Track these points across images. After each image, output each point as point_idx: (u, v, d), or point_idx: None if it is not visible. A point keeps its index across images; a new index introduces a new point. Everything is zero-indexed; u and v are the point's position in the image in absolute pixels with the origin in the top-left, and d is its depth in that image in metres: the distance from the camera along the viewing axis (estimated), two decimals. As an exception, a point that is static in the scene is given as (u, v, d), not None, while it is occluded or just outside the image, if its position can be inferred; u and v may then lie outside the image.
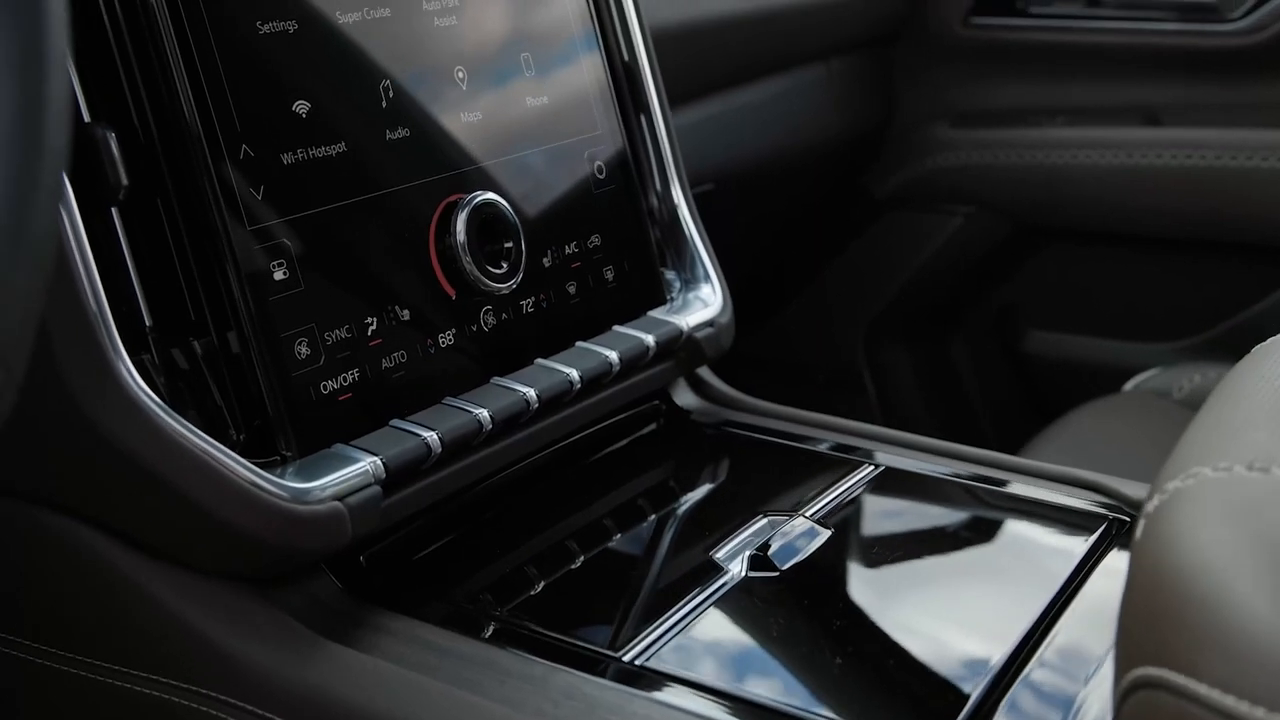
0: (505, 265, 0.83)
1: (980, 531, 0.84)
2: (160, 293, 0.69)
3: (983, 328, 2.01)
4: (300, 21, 0.75)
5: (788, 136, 1.63)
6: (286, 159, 0.73)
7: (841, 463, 0.91)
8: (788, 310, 2.04)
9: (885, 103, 1.88)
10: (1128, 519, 0.82)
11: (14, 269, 0.39)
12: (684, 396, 1.01)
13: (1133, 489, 0.86)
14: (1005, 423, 2.01)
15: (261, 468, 0.67)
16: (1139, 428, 1.40)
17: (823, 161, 1.77)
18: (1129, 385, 1.53)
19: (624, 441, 0.95)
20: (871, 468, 0.90)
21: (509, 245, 0.83)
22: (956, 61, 1.86)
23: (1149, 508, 0.55)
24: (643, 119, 1.01)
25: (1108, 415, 1.43)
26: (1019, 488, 0.88)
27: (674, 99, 1.21)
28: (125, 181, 0.65)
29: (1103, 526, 0.82)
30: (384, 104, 0.79)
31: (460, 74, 0.85)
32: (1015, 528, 0.84)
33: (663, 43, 1.07)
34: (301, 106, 0.75)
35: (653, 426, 0.98)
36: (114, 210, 0.67)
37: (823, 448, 0.95)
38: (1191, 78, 1.72)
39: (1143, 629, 0.46)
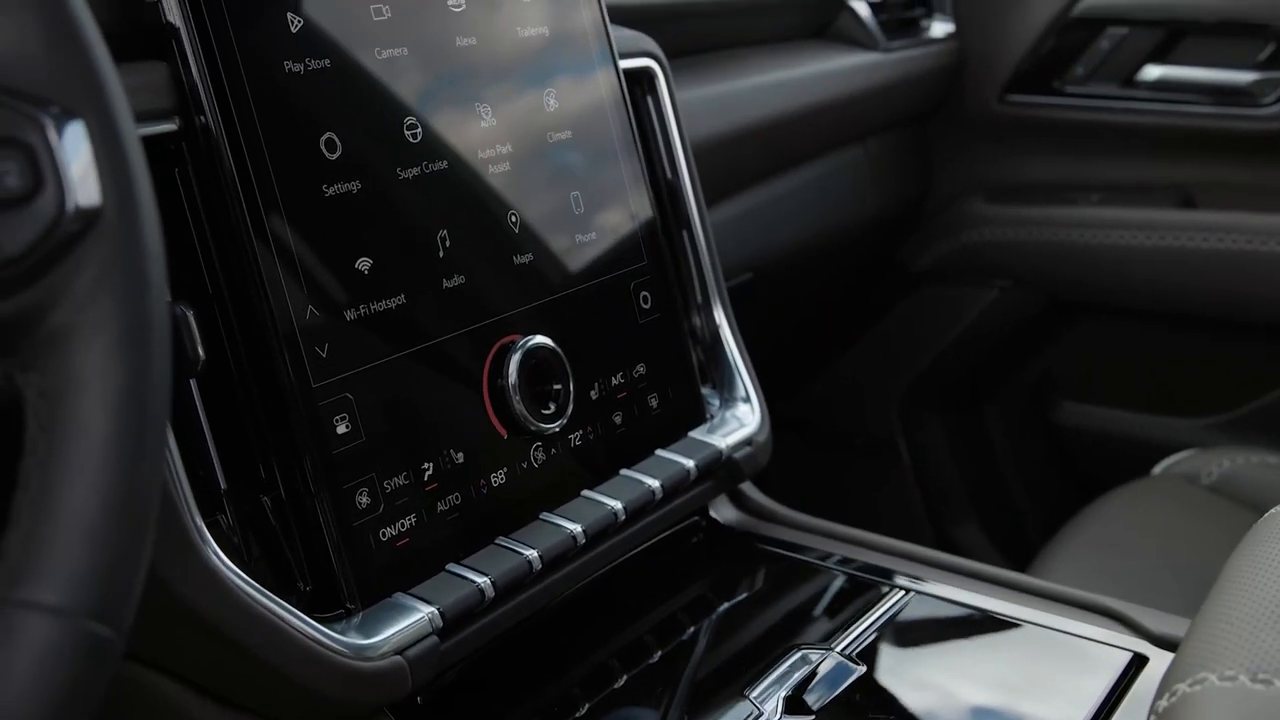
0: (554, 406, 0.87)
1: (1006, 668, 0.87)
2: (232, 454, 0.73)
3: (1017, 399, 2.05)
4: (363, 181, 0.79)
5: (825, 218, 1.67)
6: (349, 315, 0.77)
7: (873, 587, 0.95)
8: (825, 376, 2.08)
9: (921, 177, 1.92)
10: (1148, 656, 0.86)
11: (130, 538, 0.44)
12: (723, 510, 1.05)
13: (1154, 621, 0.89)
14: (1038, 494, 2.05)
15: (326, 623, 0.72)
16: (1167, 517, 1.43)
17: (860, 238, 1.80)
18: (1158, 468, 1.56)
19: (663, 559, 0.99)
20: (901, 594, 0.94)
21: (558, 387, 0.88)
22: (992, 137, 1.90)
23: (1159, 706, 0.58)
24: (685, 235, 1.05)
25: (1136, 503, 1.46)
26: (1044, 616, 0.91)
27: (713, 196, 1.25)
28: (202, 356, 0.70)
29: (1124, 663, 0.85)
30: (441, 254, 0.84)
31: (513, 218, 0.89)
32: (1039, 664, 0.87)
33: (702, 155, 1.11)
34: (364, 264, 0.79)
35: (692, 542, 1.02)
36: (192, 381, 0.71)
37: (856, 569, 0.98)
38: (1225, 160, 1.75)
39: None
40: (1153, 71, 1.77)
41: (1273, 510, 0.80)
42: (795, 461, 2.11)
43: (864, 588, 0.95)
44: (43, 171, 0.43)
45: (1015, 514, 2.06)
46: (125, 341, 0.44)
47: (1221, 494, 1.49)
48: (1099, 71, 1.80)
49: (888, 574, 0.97)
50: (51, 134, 0.43)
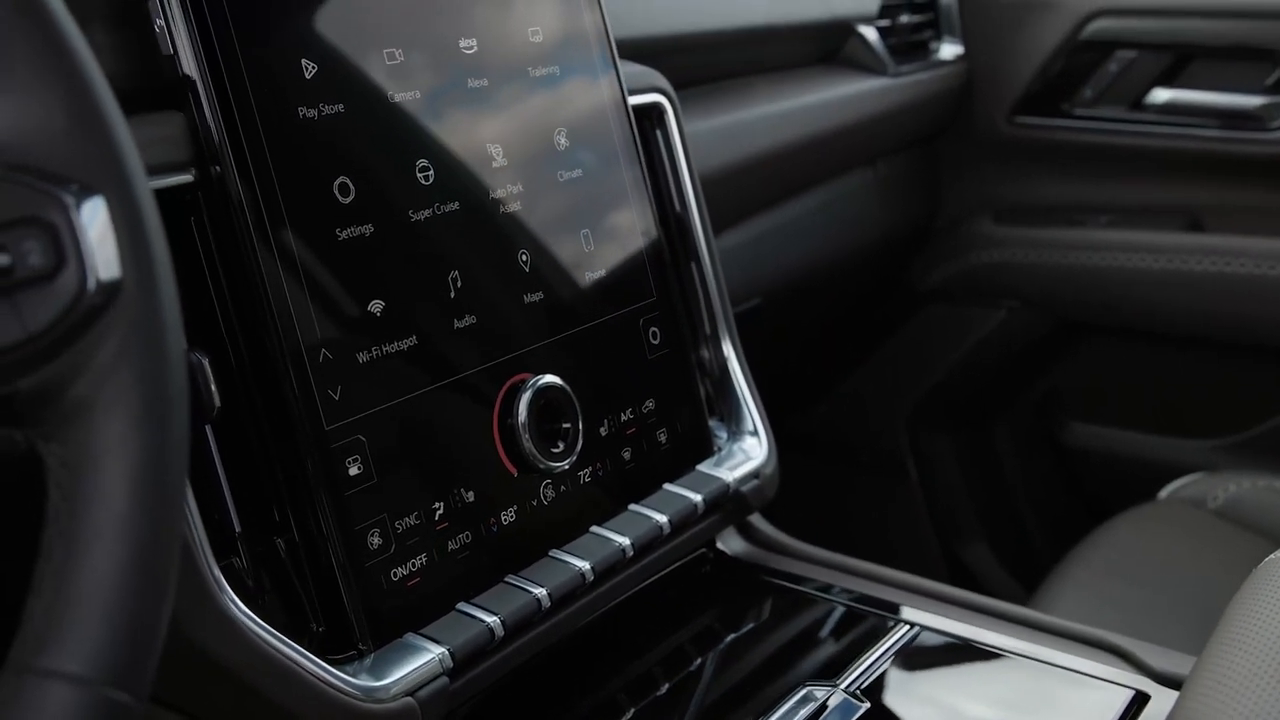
0: (563, 445, 0.88)
1: (1011, 705, 0.88)
2: (246, 497, 0.74)
3: (1024, 418, 2.06)
4: (375, 224, 0.80)
5: (834, 241, 1.68)
6: (362, 357, 0.78)
7: (878, 621, 0.96)
8: (833, 394, 2.09)
9: (929, 198, 1.93)
10: (1149, 694, 0.87)
11: (149, 607, 0.45)
12: (730, 541, 1.06)
13: (1156, 658, 0.90)
14: (1046, 513, 2.06)
15: (338, 664, 0.73)
16: (1173, 544, 1.44)
17: (868, 259, 1.81)
18: (1164, 492, 1.57)
19: (671, 592, 0.99)
20: (906, 628, 0.95)
21: (567, 425, 0.89)
22: (1001, 159, 1.91)
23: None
24: (693, 267, 1.06)
25: (1143, 528, 1.46)
26: (1049, 652, 0.92)
27: (721, 224, 1.26)
28: (218, 403, 0.71)
29: (1127, 701, 0.86)
30: (452, 294, 0.85)
31: (524, 257, 0.90)
32: (1043, 701, 0.88)
33: (711, 185, 1.12)
34: (376, 306, 0.80)
35: (700, 574, 1.03)
36: (207, 427, 0.72)
37: (862, 603, 0.99)
38: (1233, 183, 1.76)
39: None
40: (1161, 95, 1.78)
41: (1273, 555, 0.80)
42: (803, 479, 2.11)
43: (870, 622, 0.96)
44: (65, 249, 0.44)
45: (1023, 533, 2.06)
46: (144, 414, 0.45)
47: (1228, 519, 1.50)
48: (1107, 94, 1.81)
49: (894, 608, 0.98)
50: (73, 212, 0.44)
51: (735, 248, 1.41)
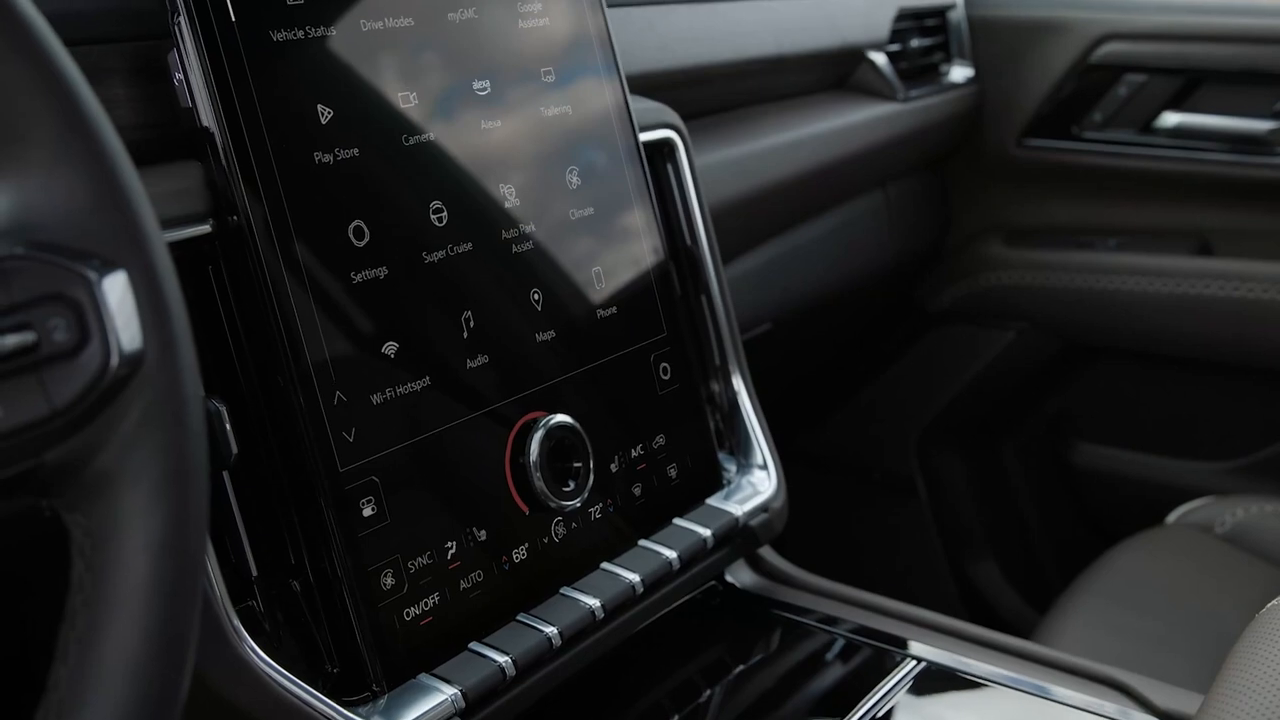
0: (573, 484, 0.89)
1: (1016, 744, 0.89)
2: (262, 540, 0.75)
3: (1034, 438, 2.06)
4: (390, 267, 0.81)
5: (844, 265, 1.69)
6: (376, 399, 0.80)
7: (885, 656, 0.97)
8: (844, 412, 2.10)
9: (940, 219, 1.94)
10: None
11: (169, 673, 0.46)
12: (740, 574, 1.07)
13: (1161, 696, 0.91)
14: (1055, 532, 2.06)
15: (353, 706, 0.74)
16: (1180, 570, 1.44)
17: (879, 281, 1.82)
18: (1172, 516, 1.57)
19: (680, 624, 1.00)
20: (913, 663, 0.96)
21: (578, 465, 0.89)
22: (1011, 181, 1.91)
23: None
24: (703, 301, 1.07)
25: (1150, 554, 1.47)
26: (1055, 690, 0.93)
27: (732, 252, 1.27)
28: (235, 450, 0.72)
29: (1130, 739, 0.87)
30: (465, 334, 0.86)
31: (536, 295, 0.91)
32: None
33: (722, 216, 1.13)
34: (390, 347, 0.81)
35: (709, 606, 1.04)
36: (225, 474, 0.73)
37: (869, 638, 1.00)
38: (1242, 207, 1.76)
39: None
40: (1170, 119, 1.79)
41: (1274, 603, 0.81)
42: (813, 496, 2.12)
43: (877, 657, 0.97)
44: (89, 325, 0.45)
45: (1031, 552, 2.07)
46: (165, 485, 0.46)
47: (1235, 544, 1.50)
48: (1117, 117, 1.81)
49: (901, 643, 0.99)
50: (96, 287, 0.45)
51: (745, 274, 1.42)
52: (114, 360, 0.45)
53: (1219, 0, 1.77)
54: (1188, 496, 1.68)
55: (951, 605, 2.05)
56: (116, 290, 0.46)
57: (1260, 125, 1.73)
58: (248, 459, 0.75)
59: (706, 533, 0.97)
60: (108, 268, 0.46)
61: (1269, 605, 0.79)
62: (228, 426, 0.72)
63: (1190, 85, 1.76)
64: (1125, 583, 1.41)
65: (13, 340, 0.43)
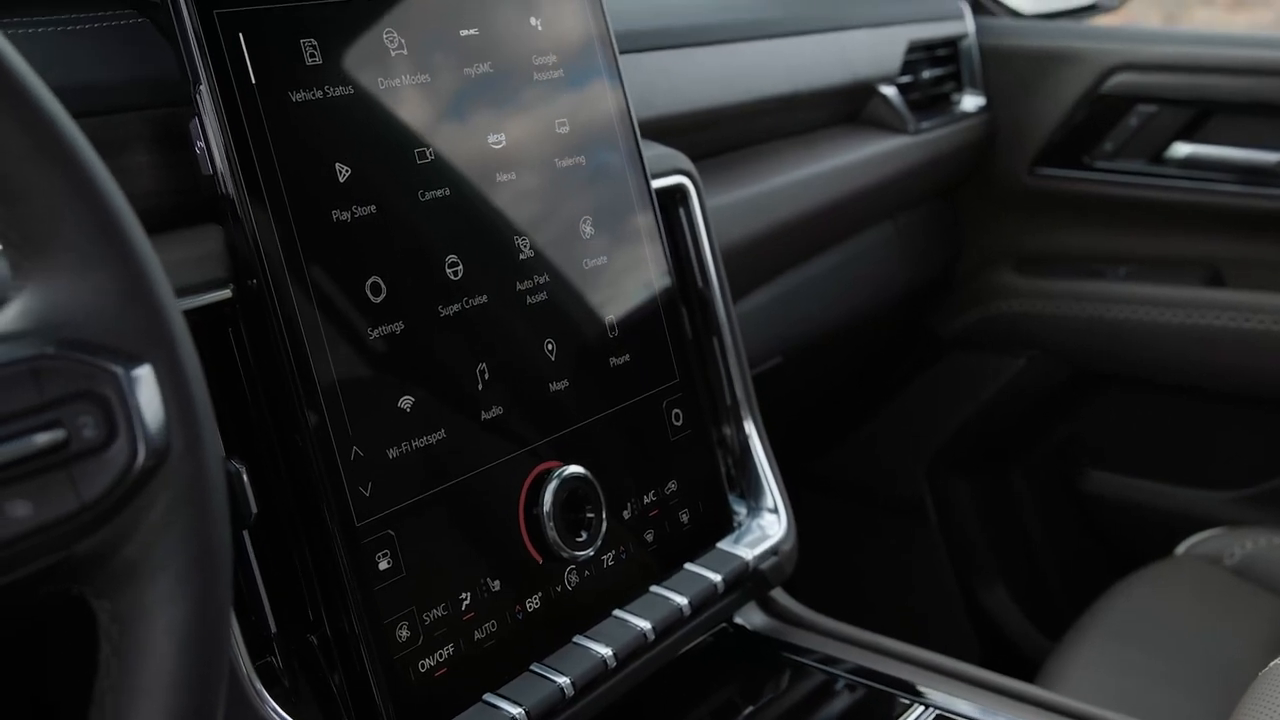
0: (586, 534, 0.90)
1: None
2: (281, 595, 0.77)
3: (1044, 465, 2.07)
4: (406, 321, 0.83)
5: (855, 295, 1.70)
6: (392, 454, 0.81)
7: (894, 702, 0.98)
8: (855, 437, 2.11)
9: (951, 246, 1.94)
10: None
11: None
12: (751, 615, 1.08)
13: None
14: (1066, 558, 2.07)
15: (368, 760, 0.75)
16: (1189, 604, 1.45)
17: (890, 309, 1.83)
18: (1181, 548, 1.58)
19: (690, 666, 1.01)
20: (922, 709, 0.97)
21: (590, 515, 0.91)
22: (1022, 209, 1.92)
23: None
24: (715, 343, 1.08)
25: (1159, 587, 1.48)
26: (1060, 737, 0.94)
27: (742, 289, 1.28)
28: (255, 510, 0.73)
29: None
30: (480, 387, 0.87)
31: (550, 347, 0.92)
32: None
33: (733, 256, 1.14)
34: (406, 401, 0.82)
35: (719, 648, 1.05)
36: (245, 532, 0.75)
37: (879, 683, 1.01)
38: (1253, 238, 1.77)
39: None
40: (1181, 149, 1.79)
41: (1275, 662, 0.82)
42: (824, 520, 2.14)
43: (887, 702, 0.98)
44: (116, 421, 0.46)
45: (1042, 577, 2.08)
46: (191, 573, 0.48)
47: (1244, 577, 1.51)
48: (1128, 147, 1.82)
49: (911, 688, 1.00)
50: (124, 383, 0.46)
51: (755, 309, 1.43)
52: (141, 455, 0.47)
53: (1229, 32, 1.78)
54: (1198, 524, 1.69)
55: (961, 630, 2.06)
56: (143, 385, 0.47)
57: (1271, 157, 1.73)
58: (266, 514, 0.76)
59: (717, 578, 0.98)
60: (134, 362, 0.47)
61: (1271, 665, 0.79)
62: (248, 487, 0.73)
63: (1201, 116, 1.77)
64: (1133, 618, 1.41)
65: (44, 439, 0.45)
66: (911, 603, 2.11)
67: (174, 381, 0.48)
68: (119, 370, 0.46)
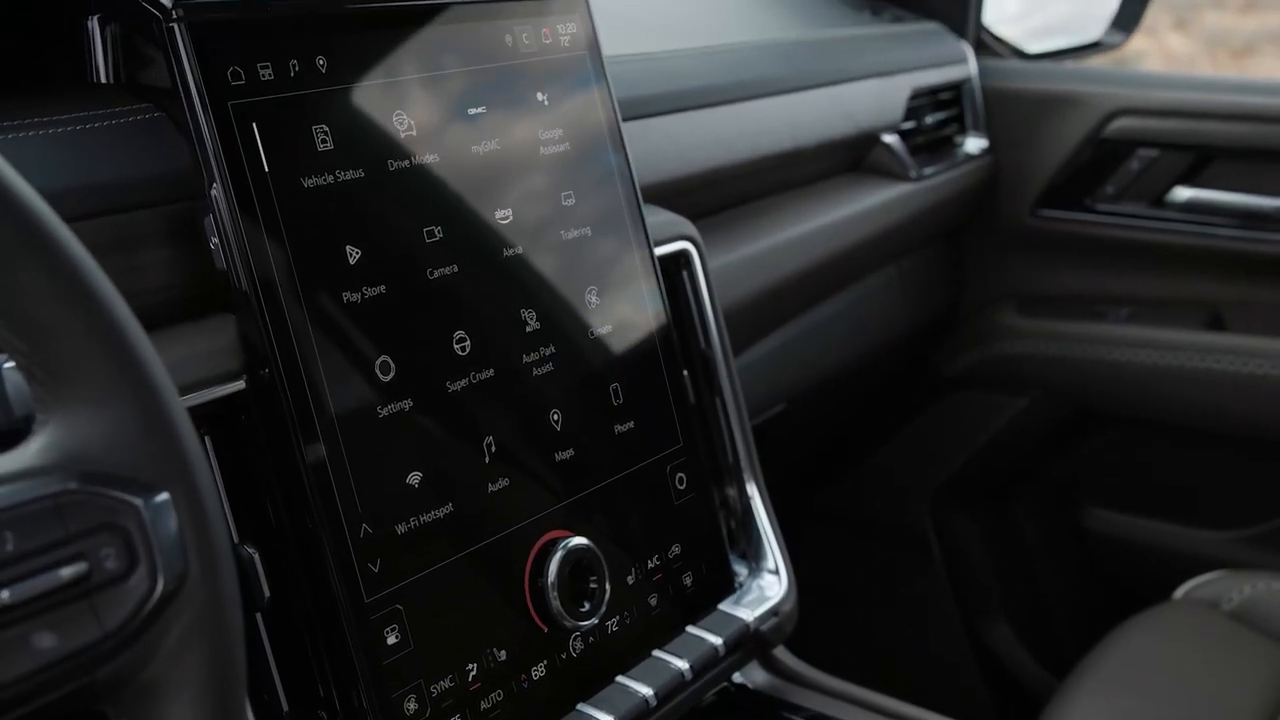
0: (589, 605, 0.92)
1: None
2: (292, 673, 0.79)
3: (1047, 502, 2.09)
4: (415, 399, 0.84)
5: (858, 340, 1.71)
6: (400, 529, 0.83)
7: (894, 765, 1.00)
8: (859, 471, 2.13)
9: (953, 287, 1.96)
10: None
11: None
12: (752, 672, 1.10)
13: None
14: (1068, 594, 2.09)
15: (377, 836, 0.77)
16: (1187, 651, 1.46)
17: (892, 350, 1.85)
18: (1180, 591, 1.59)
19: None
20: (922, 773, 0.99)
21: (594, 586, 0.92)
22: (1024, 250, 1.94)
23: None
24: (717, 404, 1.10)
25: (1155, 635, 1.49)
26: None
27: (743, 343, 1.30)
28: (268, 595, 0.75)
29: None
30: (487, 459, 0.89)
31: (555, 416, 0.94)
32: None
33: (735, 313, 1.16)
34: (414, 477, 0.84)
35: (721, 707, 1.07)
36: (258, 615, 0.77)
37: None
38: (1254, 281, 1.79)
39: None
40: (1182, 193, 1.81)
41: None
42: (828, 553, 2.16)
43: (885, 765, 1.00)
44: (137, 551, 0.48)
45: (1045, 612, 2.10)
46: (207, 692, 0.50)
47: (1242, 622, 1.52)
48: (1129, 191, 1.84)
49: (910, 750, 1.02)
50: (144, 514, 0.48)
51: (758, 359, 1.44)
52: (160, 583, 0.49)
53: (1229, 78, 1.80)
54: (1198, 563, 1.70)
55: (964, 663, 2.07)
56: (161, 515, 0.49)
57: (1270, 203, 1.75)
58: (278, 593, 0.78)
59: (718, 641, 1.00)
60: (152, 493, 0.49)
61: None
62: (261, 574, 0.75)
63: (1201, 161, 1.79)
64: (1132, 667, 1.43)
65: (68, 572, 0.47)
66: (914, 635, 2.13)
67: (191, 510, 0.50)
68: (139, 502, 0.48)
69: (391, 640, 0.81)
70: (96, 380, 0.49)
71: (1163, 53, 7.28)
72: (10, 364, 0.61)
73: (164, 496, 0.49)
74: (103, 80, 0.81)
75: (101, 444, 0.49)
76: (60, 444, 0.48)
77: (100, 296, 0.49)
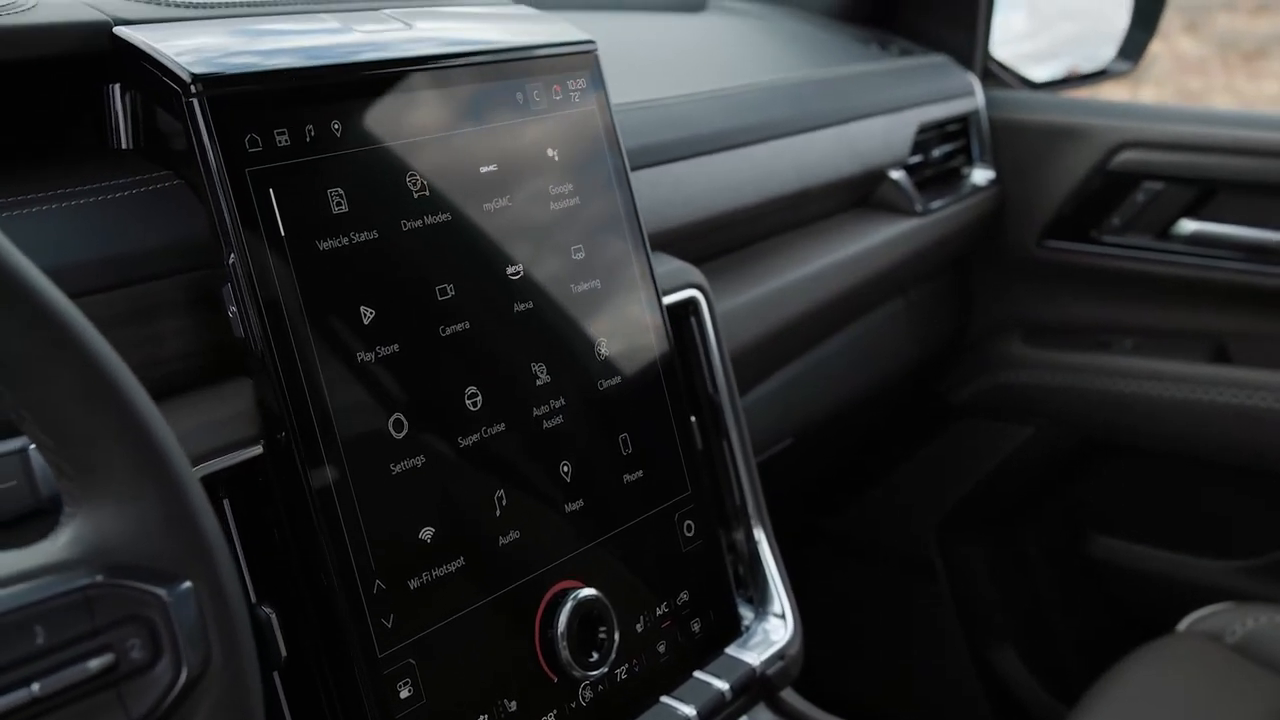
0: (598, 654, 0.93)
1: None
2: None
3: (1053, 530, 2.11)
4: (427, 455, 0.86)
5: (864, 372, 1.73)
6: (413, 584, 0.84)
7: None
8: (866, 499, 2.15)
9: (960, 316, 1.98)
10: None
11: None
12: (759, 714, 1.12)
13: None
14: (1074, 621, 2.10)
15: None
16: (1189, 684, 1.48)
17: (899, 380, 1.86)
18: (1184, 624, 1.61)
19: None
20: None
21: (603, 636, 0.94)
22: (1031, 280, 1.96)
23: None
24: (725, 447, 1.12)
25: (1158, 668, 1.51)
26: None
27: (750, 383, 1.31)
28: (285, 654, 0.77)
29: None
30: (498, 513, 0.90)
31: (565, 468, 0.95)
32: None
33: (742, 355, 1.17)
34: (426, 533, 0.85)
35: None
36: (275, 673, 0.78)
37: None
38: (1259, 313, 1.80)
39: None
40: (1187, 226, 1.82)
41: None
42: (835, 579, 2.17)
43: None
44: (161, 641, 0.50)
45: (1051, 639, 2.11)
46: None
47: (1244, 654, 1.54)
48: (1134, 223, 1.85)
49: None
50: (169, 605, 0.50)
51: (765, 396, 1.46)
52: (184, 671, 0.50)
53: (1235, 112, 1.81)
54: (1202, 592, 1.72)
55: (970, 689, 2.09)
56: (185, 605, 0.51)
57: (1275, 236, 1.76)
58: (293, 649, 0.80)
59: (725, 686, 1.02)
60: (176, 583, 0.51)
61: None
62: (278, 633, 0.77)
63: (1206, 194, 1.80)
64: (1136, 700, 1.44)
65: (96, 664, 0.48)
66: (920, 662, 2.14)
67: (213, 598, 0.52)
68: (163, 593, 0.50)
69: (404, 694, 0.83)
70: (123, 478, 0.51)
71: (1173, 55, 7.28)
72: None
73: (186, 586, 0.51)
74: (123, 146, 0.83)
75: (127, 537, 0.51)
76: (88, 538, 0.50)
77: (127, 396, 0.51)
